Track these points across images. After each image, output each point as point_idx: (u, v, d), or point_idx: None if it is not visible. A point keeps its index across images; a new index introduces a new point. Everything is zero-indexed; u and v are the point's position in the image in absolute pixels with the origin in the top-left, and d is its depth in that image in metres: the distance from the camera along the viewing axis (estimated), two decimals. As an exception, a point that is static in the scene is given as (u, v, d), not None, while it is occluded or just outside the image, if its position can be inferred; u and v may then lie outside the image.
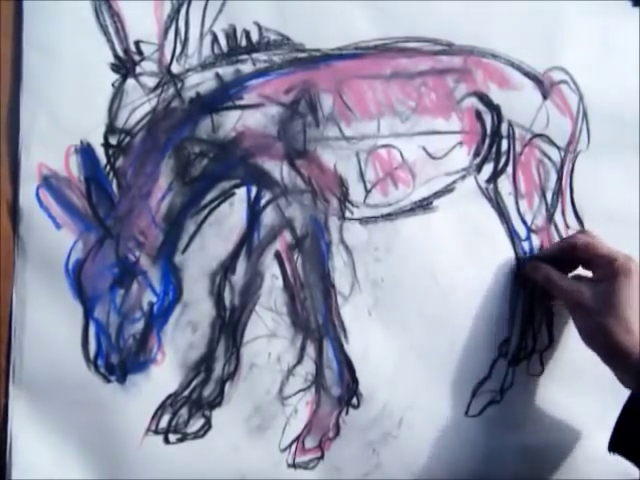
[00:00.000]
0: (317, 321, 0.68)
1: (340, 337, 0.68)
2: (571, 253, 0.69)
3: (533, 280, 0.71)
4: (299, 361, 0.68)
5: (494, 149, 0.71)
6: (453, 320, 0.71)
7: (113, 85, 0.64)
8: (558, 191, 0.72)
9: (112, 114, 0.64)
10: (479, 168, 0.71)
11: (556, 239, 0.73)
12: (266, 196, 0.66)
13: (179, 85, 0.65)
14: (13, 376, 0.63)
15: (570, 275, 0.70)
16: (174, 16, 0.64)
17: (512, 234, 0.72)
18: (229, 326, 0.66)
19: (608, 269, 0.65)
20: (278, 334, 0.67)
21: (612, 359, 0.65)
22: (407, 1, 0.68)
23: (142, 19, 0.64)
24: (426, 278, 0.70)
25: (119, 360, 0.65)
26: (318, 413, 0.69)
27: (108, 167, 0.64)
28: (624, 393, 0.64)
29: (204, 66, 0.65)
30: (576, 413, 0.73)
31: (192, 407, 0.67)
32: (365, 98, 0.68)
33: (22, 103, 0.62)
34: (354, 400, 0.69)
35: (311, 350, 0.68)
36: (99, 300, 0.64)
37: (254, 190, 0.66)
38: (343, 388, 0.69)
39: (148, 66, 0.64)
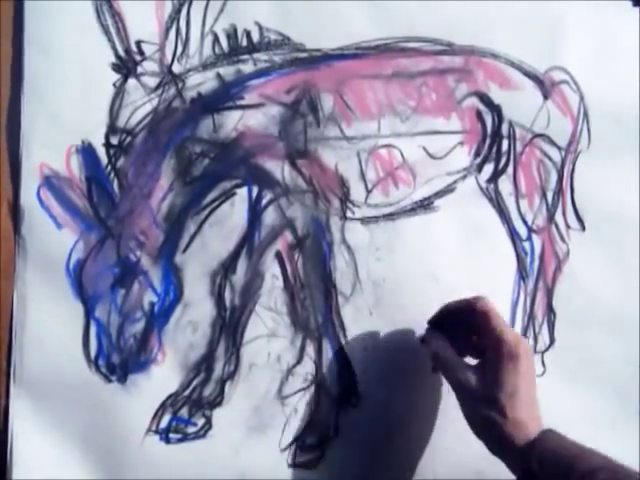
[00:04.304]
0: (317, 321, 0.68)
1: (340, 337, 0.68)
2: (469, 316, 0.64)
3: (426, 346, 0.66)
4: (299, 361, 0.68)
5: (495, 149, 0.71)
6: (453, 320, 0.71)
7: (114, 85, 0.64)
8: (559, 191, 0.72)
9: (113, 114, 0.64)
10: (480, 168, 0.71)
11: (557, 239, 0.72)
12: (267, 196, 0.66)
13: (180, 85, 0.65)
14: (14, 376, 0.64)
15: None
16: (175, 16, 0.64)
17: (513, 234, 0.72)
18: (229, 326, 0.67)
19: (495, 352, 0.61)
20: (278, 334, 0.67)
21: (497, 450, 0.62)
22: (407, 1, 0.68)
23: (143, 19, 0.64)
24: (427, 278, 0.70)
25: (120, 360, 0.65)
26: (318, 413, 0.69)
27: (109, 167, 0.64)
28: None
29: (205, 66, 0.65)
30: (576, 413, 0.73)
31: (192, 407, 0.67)
32: (366, 98, 0.68)
33: (23, 103, 0.63)
34: (354, 400, 0.69)
35: (311, 350, 0.68)
36: (100, 300, 0.65)
37: (255, 190, 0.66)
38: (343, 388, 0.69)
39: (149, 66, 0.64)
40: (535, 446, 0.59)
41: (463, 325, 0.65)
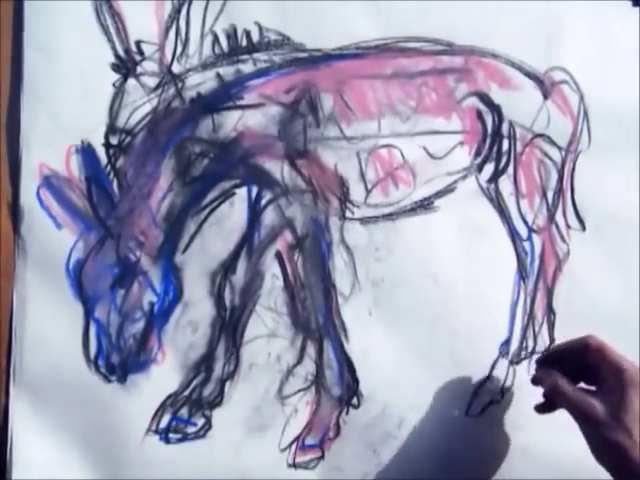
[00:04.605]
0: (317, 321, 0.68)
1: (340, 337, 0.68)
2: (581, 354, 0.66)
3: (540, 384, 0.68)
4: (299, 361, 0.68)
5: (495, 149, 0.71)
6: (453, 320, 0.71)
7: (114, 85, 0.64)
8: (559, 191, 0.72)
9: (113, 114, 0.64)
10: (480, 168, 0.71)
11: (557, 239, 0.72)
12: (267, 196, 0.66)
13: (180, 85, 0.65)
14: (14, 376, 0.64)
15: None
16: (175, 16, 0.64)
17: (513, 234, 0.72)
18: (229, 326, 0.67)
19: (617, 380, 0.62)
20: (278, 334, 0.67)
21: (623, 475, 0.62)
22: (408, 1, 0.68)
23: (143, 19, 0.64)
24: (427, 278, 0.70)
25: (120, 360, 0.65)
26: (318, 413, 0.69)
27: (109, 167, 0.64)
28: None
29: (205, 66, 0.65)
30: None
31: (192, 407, 0.67)
32: (366, 98, 0.68)
33: (23, 103, 0.63)
34: (354, 400, 0.69)
35: (311, 350, 0.68)
36: (100, 300, 0.65)
37: (255, 190, 0.66)
38: (343, 388, 0.69)
39: (149, 66, 0.64)
40: None
41: (572, 362, 0.66)
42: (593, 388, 0.65)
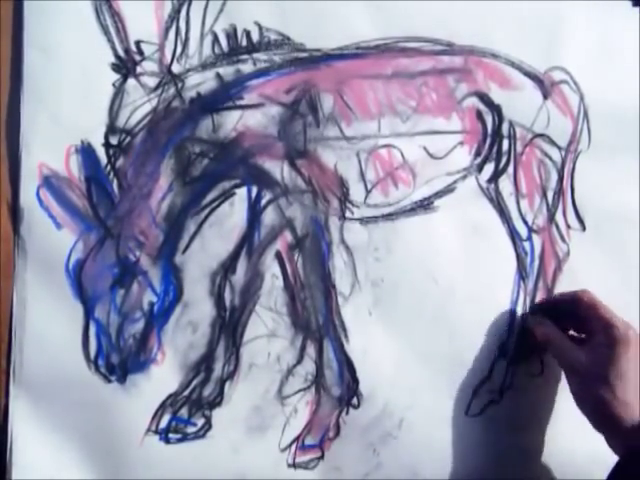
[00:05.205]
0: (317, 321, 0.68)
1: (340, 337, 0.68)
2: (573, 307, 0.69)
3: (532, 332, 0.71)
4: (299, 361, 0.68)
5: (495, 149, 0.71)
6: (453, 320, 0.71)
7: (114, 85, 0.64)
8: (559, 191, 0.72)
9: (113, 114, 0.64)
10: (480, 168, 0.71)
11: (557, 239, 0.72)
12: (266, 196, 0.66)
13: (180, 85, 0.65)
14: (13, 376, 0.64)
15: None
16: (175, 16, 0.64)
17: (513, 234, 0.72)
18: (229, 326, 0.66)
19: (606, 336, 0.65)
20: (278, 334, 0.67)
21: (603, 427, 0.65)
22: (408, 1, 0.68)
23: (143, 19, 0.64)
24: (426, 278, 0.70)
25: (119, 360, 0.65)
26: (318, 413, 0.69)
27: (109, 167, 0.64)
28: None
29: (205, 66, 0.65)
30: (576, 413, 0.73)
31: (192, 407, 0.67)
32: (366, 98, 0.68)
33: (22, 103, 0.63)
34: (354, 400, 0.69)
35: (311, 350, 0.68)
36: (99, 300, 0.65)
37: (254, 190, 0.66)
38: (343, 388, 0.69)
39: (149, 66, 0.64)
40: None
41: (565, 315, 0.70)
42: (583, 336, 0.69)
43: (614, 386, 0.63)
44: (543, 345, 0.70)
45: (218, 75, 0.65)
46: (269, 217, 0.67)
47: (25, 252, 0.63)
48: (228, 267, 0.66)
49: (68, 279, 0.64)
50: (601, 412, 0.64)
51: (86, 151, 0.64)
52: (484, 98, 0.70)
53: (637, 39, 0.72)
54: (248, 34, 0.65)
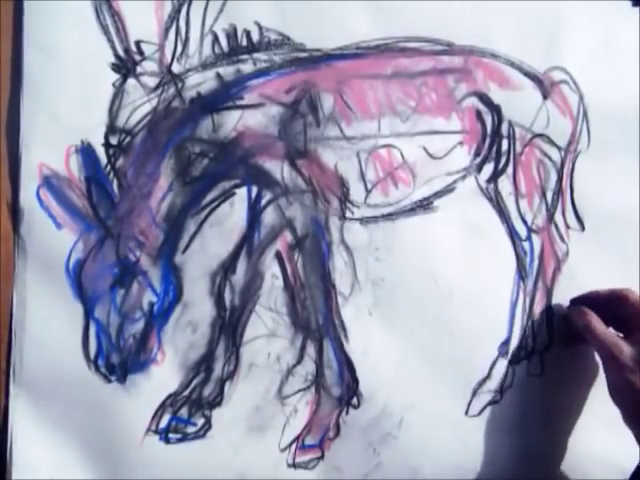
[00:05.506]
0: (317, 321, 0.68)
1: (340, 337, 0.68)
2: (618, 304, 0.70)
3: (572, 322, 0.71)
4: (299, 361, 0.68)
5: (494, 149, 0.71)
6: (453, 320, 0.71)
7: (114, 85, 0.64)
8: (558, 191, 0.72)
9: (113, 114, 0.64)
10: (479, 168, 0.71)
11: (556, 239, 0.72)
12: (267, 196, 0.66)
13: (180, 85, 0.65)
14: (13, 376, 0.64)
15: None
16: (175, 16, 0.64)
17: (512, 234, 0.72)
18: (229, 326, 0.66)
19: None
20: (278, 334, 0.67)
21: (635, 419, 0.66)
22: (407, 1, 0.68)
23: (143, 19, 0.64)
24: (426, 278, 0.70)
25: (119, 360, 0.65)
26: (318, 413, 0.69)
27: (108, 167, 0.64)
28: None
29: (205, 66, 0.65)
30: (576, 413, 0.73)
31: (192, 407, 0.67)
32: (366, 98, 0.68)
33: (22, 103, 0.63)
34: (354, 400, 0.69)
35: (311, 350, 0.68)
36: (99, 300, 0.64)
37: (255, 190, 0.66)
38: (343, 388, 0.69)
39: (149, 66, 0.64)
40: None
41: (605, 309, 0.70)
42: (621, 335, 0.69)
43: None
44: (584, 334, 0.70)
45: (218, 75, 0.65)
46: (269, 217, 0.66)
47: (25, 252, 0.63)
48: (228, 267, 0.66)
49: (68, 279, 0.64)
50: (633, 401, 0.65)
51: (86, 151, 0.64)
52: (484, 98, 0.70)
53: (637, 39, 0.72)
54: (248, 34, 0.65)
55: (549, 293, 0.73)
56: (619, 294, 0.70)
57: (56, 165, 0.63)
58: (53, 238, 0.63)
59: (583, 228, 0.73)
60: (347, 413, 0.69)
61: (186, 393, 0.67)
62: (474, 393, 0.72)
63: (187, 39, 0.65)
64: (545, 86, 0.71)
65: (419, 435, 0.70)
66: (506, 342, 0.72)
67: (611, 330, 0.69)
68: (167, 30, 0.64)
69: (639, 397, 0.64)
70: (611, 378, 0.68)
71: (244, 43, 0.65)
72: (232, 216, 0.66)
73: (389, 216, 0.69)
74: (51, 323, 0.64)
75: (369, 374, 0.69)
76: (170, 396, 0.66)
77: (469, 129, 0.70)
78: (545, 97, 0.71)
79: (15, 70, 0.63)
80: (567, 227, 0.73)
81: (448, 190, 0.70)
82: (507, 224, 0.72)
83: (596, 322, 0.69)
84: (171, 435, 0.67)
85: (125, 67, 0.64)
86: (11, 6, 0.63)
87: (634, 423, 0.66)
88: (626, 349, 0.66)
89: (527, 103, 0.71)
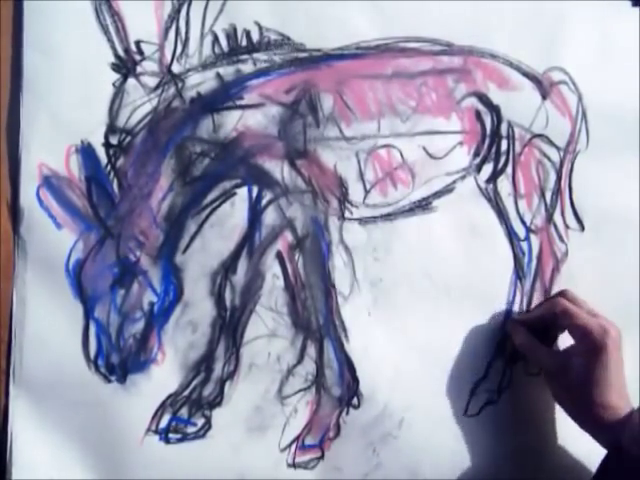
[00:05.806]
0: (318, 321, 0.68)
1: (341, 337, 0.68)
2: (552, 319, 0.69)
3: (512, 340, 0.71)
4: (299, 361, 0.68)
5: (494, 149, 0.71)
6: (452, 320, 0.71)
7: (114, 85, 0.64)
8: (557, 191, 0.72)
9: (113, 114, 0.64)
10: (479, 168, 0.71)
11: (555, 239, 0.73)
12: (267, 196, 0.66)
13: (180, 85, 0.65)
14: (13, 376, 0.63)
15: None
16: (175, 16, 0.64)
17: (511, 234, 0.72)
18: (229, 326, 0.66)
19: (582, 344, 0.66)
20: (278, 334, 0.67)
21: (585, 428, 0.66)
22: (407, 1, 0.68)
23: (143, 19, 0.64)
24: (425, 278, 0.70)
25: (119, 360, 0.65)
26: (318, 413, 0.69)
27: (109, 167, 0.64)
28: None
29: (205, 66, 0.65)
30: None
31: (192, 407, 0.67)
32: (365, 98, 0.68)
33: (22, 103, 0.62)
34: (354, 400, 0.69)
35: (311, 350, 0.68)
36: (99, 300, 0.64)
37: (255, 190, 0.66)
38: (343, 388, 0.69)
39: (149, 66, 0.64)
40: (625, 425, 0.62)
41: (546, 321, 0.70)
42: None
43: (592, 391, 0.64)
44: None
45: (218, 75, 0.65)
46: (270, 217, 0.67)
47: (25, 252, 0.63)
48: (229, 267, 0.66)
49: (68, 279, 0.64)
50: (581, 415, 0.66)
51: (86, 151, 0.64)
52: (483, 98, 0.70)
53: (637, 39, 0.72)
54: (248, 34, 0.65)
55: (547, 294, 0.73)
56: (550, 307, 0.69)
57: (56, 165, 0.63)
58: (53, 238, 0.63)
59: (582, 228, 0.73)
60: (347, 413, 0.69)
61: (186, 393, 0.66)
62: (472, 393, 0.72)
63: (187, 39, 0.65)
64: (544, 86, 0.71)
65: (419, 435, 0.70)
66: (503, 342, 0.72)
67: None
68: (167, 30, 0.64)
69: (583, 409, 0.65)
70: (553, 393, 0.70)
71: (244, 43, 0.65)
72: (233, 216, 0.66)
73: (388, 216, 0.69)
74: (51, 323, 0.64)
75: (369, 374, 0.69)
76: (170, 396, 0.66)
77: (468, 129, 0.70)
78: (544, 97, 0.71)
79: (15, 70, 0.63)
80: (566, 227, 0.73)
81: (447, 190, 0.70)
82: (506, 224, 0.72)
83: (528, 340, 0.69)
84: (171, 435, 0.67)
85: (125, 67, 0.64)
86: (11, 6, 0.62)
87: (586, 430, 0.66)
88: (562, 365, 0.67)
89: (526, 103, 0.71)
